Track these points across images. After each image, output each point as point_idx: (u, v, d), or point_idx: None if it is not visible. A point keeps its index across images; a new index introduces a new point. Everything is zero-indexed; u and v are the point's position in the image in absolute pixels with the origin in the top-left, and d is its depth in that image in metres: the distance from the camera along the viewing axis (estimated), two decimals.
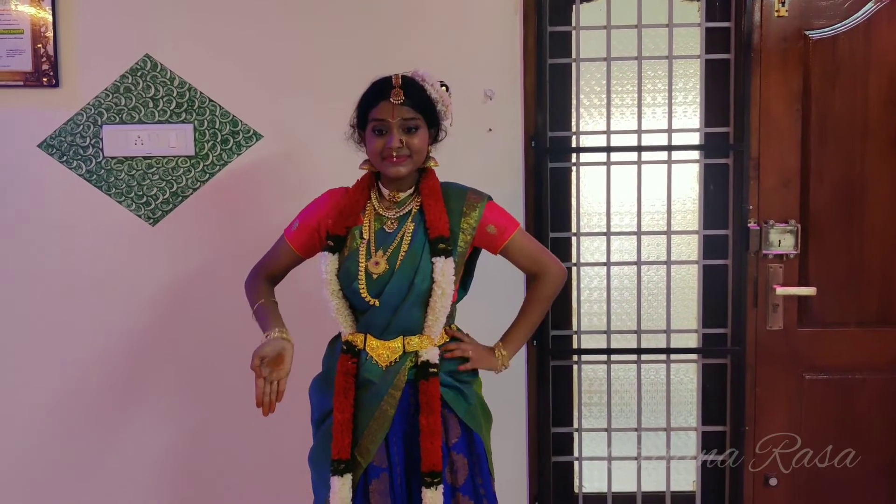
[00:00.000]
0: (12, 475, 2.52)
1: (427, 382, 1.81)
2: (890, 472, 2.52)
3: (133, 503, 2.53)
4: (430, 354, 1.84)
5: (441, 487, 1.80)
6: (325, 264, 1.84)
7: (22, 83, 2.40)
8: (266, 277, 1.99)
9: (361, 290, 1.82)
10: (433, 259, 1.81)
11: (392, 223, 1.86)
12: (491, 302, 2.34)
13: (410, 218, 1.85)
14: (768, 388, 2.52)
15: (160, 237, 2.45)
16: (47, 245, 2.45)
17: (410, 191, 1.88)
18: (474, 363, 1.91)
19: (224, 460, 2.52)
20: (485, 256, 1.98)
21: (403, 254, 1.82)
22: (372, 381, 1.82)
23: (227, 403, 2.50)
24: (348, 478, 1.80)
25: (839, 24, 2.43)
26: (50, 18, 2.37)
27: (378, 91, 1.81)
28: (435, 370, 1.83)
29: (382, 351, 1.83)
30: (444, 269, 1.80)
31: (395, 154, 1.79)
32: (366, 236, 1.85)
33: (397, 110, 1.78)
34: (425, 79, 1.84)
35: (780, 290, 2.46)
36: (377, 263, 1.82)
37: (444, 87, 1.87)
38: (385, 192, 1.87)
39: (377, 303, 1.82)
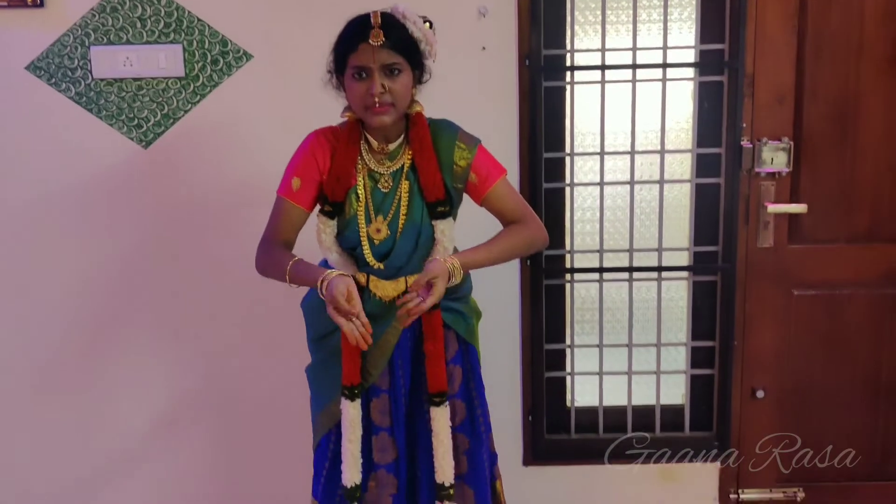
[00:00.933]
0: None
1: (429, 314, 1.82)
2: (874, 382, 2.59)
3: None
4: None
5: (448, 405, 1.88)
6: (323, 230, 1.82)
7: (6, 4, 2.34)
8: (282, 244, 1.86)
9: (367, 257, 1.83)
10: (433, 222, 1.82)
11: (386, 180, 1.83)
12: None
13: (403, 175, 1.83)
14: (757, 304, 2.56)
15: (153, 159, 2.44)
16: (39, 168, 2.44)
17: (400, 139, 1.83)
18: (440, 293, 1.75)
19: (227, 389, 2.59)
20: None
21: (403, 218, 1.82)
22: (375, 313, 1.84)
23: (223, 326, 2.54)
24: (358, 402, 1.86)
25: None
26: None
27: (356, 33, 1.72)
28: (436, 305, 1.85)
29: (387, 288, 1.85)
30: (445, 230, 1.83)
31: (377, 101, 1.71)
32: (361, 198, 1.82)
33: (377, 53, 1.70)
34: (406, 16, 1.74)
35: (772, 208, 2.48)
36: (378, 230, 1.82)
37: (427, 24, 1.78)
38: (374, 142, 1.82)
39: (382, 266, 1.84)
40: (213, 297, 2.52)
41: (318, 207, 1.87)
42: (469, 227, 1.98)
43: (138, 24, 2.37)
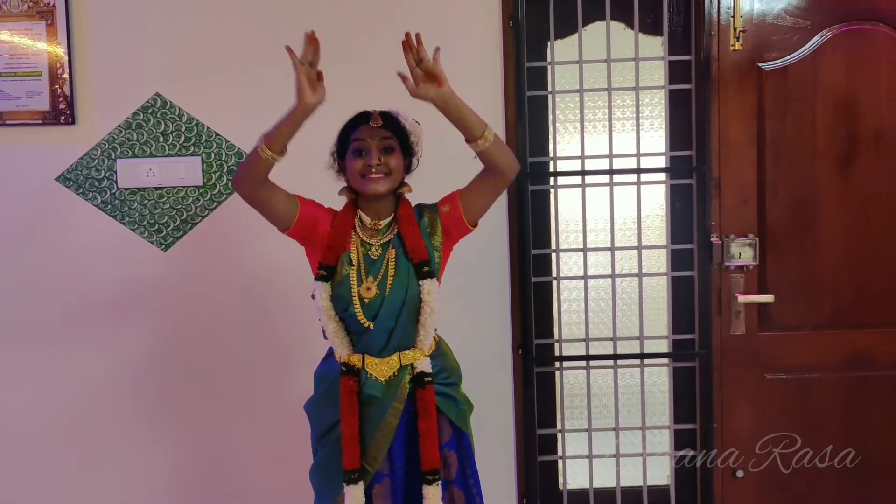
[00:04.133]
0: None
1: (423, 390, 1.98)
2: (843, 460, 2.74)
3: None
4: (424, 365, 2.01)
5: (440, 483, 1.97)
6: (319, 292, 1.96)
7: (41, 121, 2.58)
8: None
9: (357, 315, 1.96)
10: (420, 282, 1.97)
11: (376, 249, 2.01)
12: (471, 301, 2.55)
13: (391, 244, 2.02)
14: (733, 388, 2.74)
15: (172, 262, 2.64)
16: (65, 271, 2.63)
17: (389, 219, 2.04)
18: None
19: (228, 489, 2.70)
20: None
21: (391, 279, 1.98)
22: (375, 396, 1.97)
23: (234, 421, 2.68)
24: (361, 486, 1.95)
25: (789, 56, 2.67)
26: (66, 61, 2.56)
27: (358, 118, 2.01)
28: (430, 379, 2.00)
29: (382, 367, 1.98)
30: (431, 290, 1.97)
31: (373, 171, 1.95)
32: (354, 263, 1.99)
33: (376, 132, 1.96)
34: (399, 114, 2.03)
35: (742, 298, 2.69)
36: (369, 289, 1.97)
37: (416, 123, 2.06)
38: (367, 220, 2.02)
39: (372, 325, 1.97)
40: (224, 389, 2.67)
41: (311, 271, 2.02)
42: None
43: (161, 139, 2.60)
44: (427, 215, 2.05)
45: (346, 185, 2.05)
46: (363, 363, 1.98)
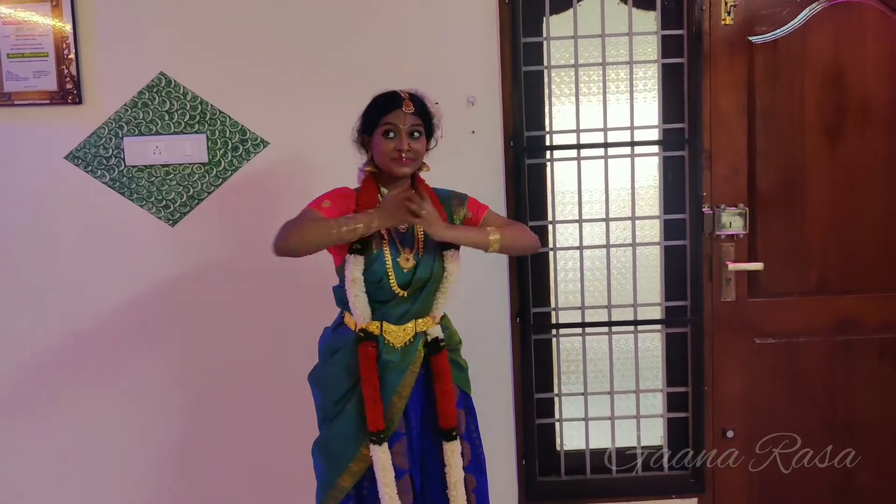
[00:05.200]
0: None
1: (438, 356, 2.11)
2: (830, 420, 2.86)
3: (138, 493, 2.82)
4: (437, 332, 2.15)
5: (458, 439, 2.13)
6: (352, 265, 2.05)
7: (48, 101, 2.63)
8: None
9: (392, 285, 2.08)
10: (444, 252, 2.12)
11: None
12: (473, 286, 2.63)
13: None
14: (724, 353, 2.84)
15: (179, 236, 2.71)
16: (77, 246, 2.70)
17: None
18: (426, 222, 2.01)
19: (237, 456, 2.80)
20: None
21: (421, 249, 2.11)
22: (392, 361, 2.09)
23: (240, 394, 2.77)
24: (386, 446, 2.07)
25: (778, 30, 2.72)
26: (72, 41, 2.60)
27: (390, 100, 2.09)
28: (444, 344, 2.14)
29: (398, 334, 2.10)
30: (455, 258, 2.13)
31: (403, 155, 2.06)
32: (385, 236, 2.10)
33: (407, 118, 2.07)
34: (425, 97, 2.14)
35: (732, 266, 2.77)
36: (408, 259, 2.10)
37: (436, 104, 2.16)
38: (387, 193, 2.12)
39: (405, 293, 2.09)
40: (230, 361, 2.76)
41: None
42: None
43: (166, 117, 2.66)
44: (455, 200, 2.19)
45: (368, 160, 2.14)
46: (381, 330, 2.09)
